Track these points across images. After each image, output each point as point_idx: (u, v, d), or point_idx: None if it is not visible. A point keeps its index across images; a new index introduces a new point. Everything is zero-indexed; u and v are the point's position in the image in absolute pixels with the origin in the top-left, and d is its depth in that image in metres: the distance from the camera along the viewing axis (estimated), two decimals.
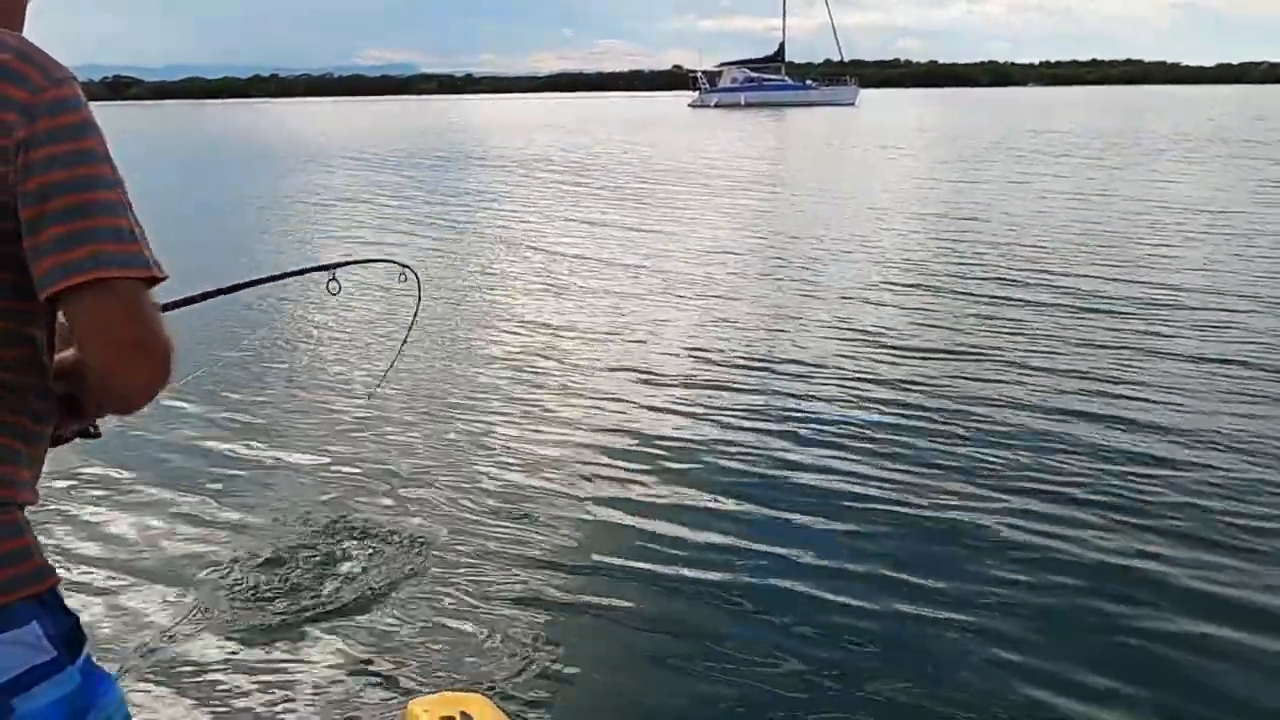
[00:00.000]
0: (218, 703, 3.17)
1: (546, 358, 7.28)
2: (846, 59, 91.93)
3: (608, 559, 4.10)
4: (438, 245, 13.04)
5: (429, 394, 6.41)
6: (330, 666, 3.35)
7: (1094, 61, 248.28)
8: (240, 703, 3.17)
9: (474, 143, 38.27)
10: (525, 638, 3.50)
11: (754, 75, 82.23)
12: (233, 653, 3.45)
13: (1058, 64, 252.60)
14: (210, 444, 5.52)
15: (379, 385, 6.17)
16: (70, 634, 1.25)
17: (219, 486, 4.91)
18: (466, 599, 3.77)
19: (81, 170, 1.20)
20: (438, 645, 3.47)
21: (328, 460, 5.26)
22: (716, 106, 76.84)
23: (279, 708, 3.14)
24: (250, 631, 3.56)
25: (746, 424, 5.72)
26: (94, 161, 1.22)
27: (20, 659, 1.20)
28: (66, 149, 1.20)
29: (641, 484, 4.90)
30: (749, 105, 75.81)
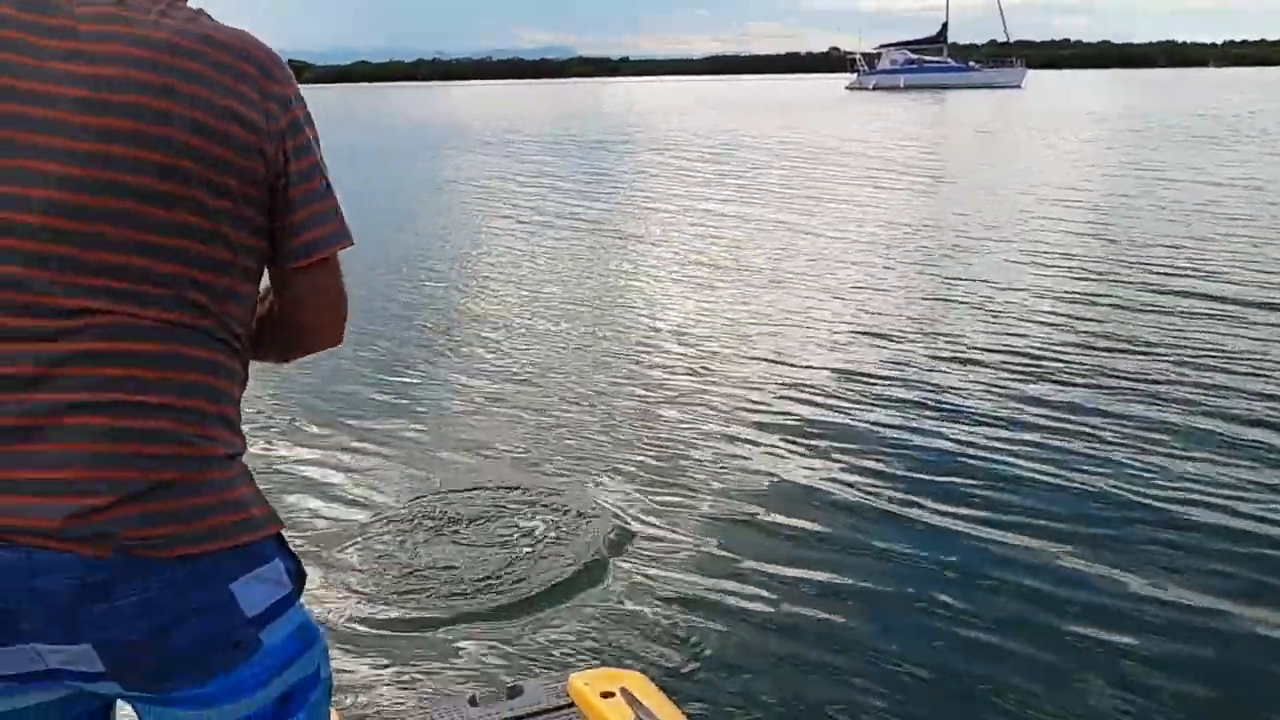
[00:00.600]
0: (387, 663, 3.34)
1: (698, 344, 7.33)
2: (1012, 39, 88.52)
3: (778, 556, 4.09)
4: (588, 228, 13.22)
5: (593, 375, 6.55)
6: (494, 636, 3.48)
7: None
8: (406, 668, 3.32)
9: (627, 126, 38.56)
10: (688, 623, 3.55)
11: (914, 57, 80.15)
12: (399, 616, 3.62)
13: (1243, 43, 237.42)
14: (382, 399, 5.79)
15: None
16: (299, 570, 1.36)
17: (391, 450, 5.16)
18: (636, 579, 3.85)
19: (316, 156, 1.40)
20: (600, 622, 3.56)
21: (497, 436, 5.45)
22: (875, 89, 75.23)
23: (438, 675, 3.28)
24: (418, 596, 3.74)
25: (916, 421, 5.62)
26: (317, 148, 1.41)
27: (268, 594, 1.30)
28: (307, 137, 1.38)
29: (819, 477, 4.87)
30: (909, 88, 73.91)
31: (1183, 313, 7.72)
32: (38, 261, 1.22)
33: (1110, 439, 5.17)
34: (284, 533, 1.36)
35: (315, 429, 5.56)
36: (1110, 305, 8.07)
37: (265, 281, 1.44)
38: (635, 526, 4.28)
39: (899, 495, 4.58)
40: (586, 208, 15.12)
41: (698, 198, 16.05)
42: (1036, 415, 5.56)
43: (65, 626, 1.19)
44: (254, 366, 1.46)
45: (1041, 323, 7.59)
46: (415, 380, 6.52)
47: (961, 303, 8.30)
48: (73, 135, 1.23)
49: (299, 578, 1.35)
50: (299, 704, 1.35)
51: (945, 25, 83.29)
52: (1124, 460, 4.89)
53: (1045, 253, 10.44)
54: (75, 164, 1.23)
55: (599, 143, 29.62)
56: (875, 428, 5.47)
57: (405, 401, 6.09)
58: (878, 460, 5.01)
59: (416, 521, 4.34)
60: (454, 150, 27.35)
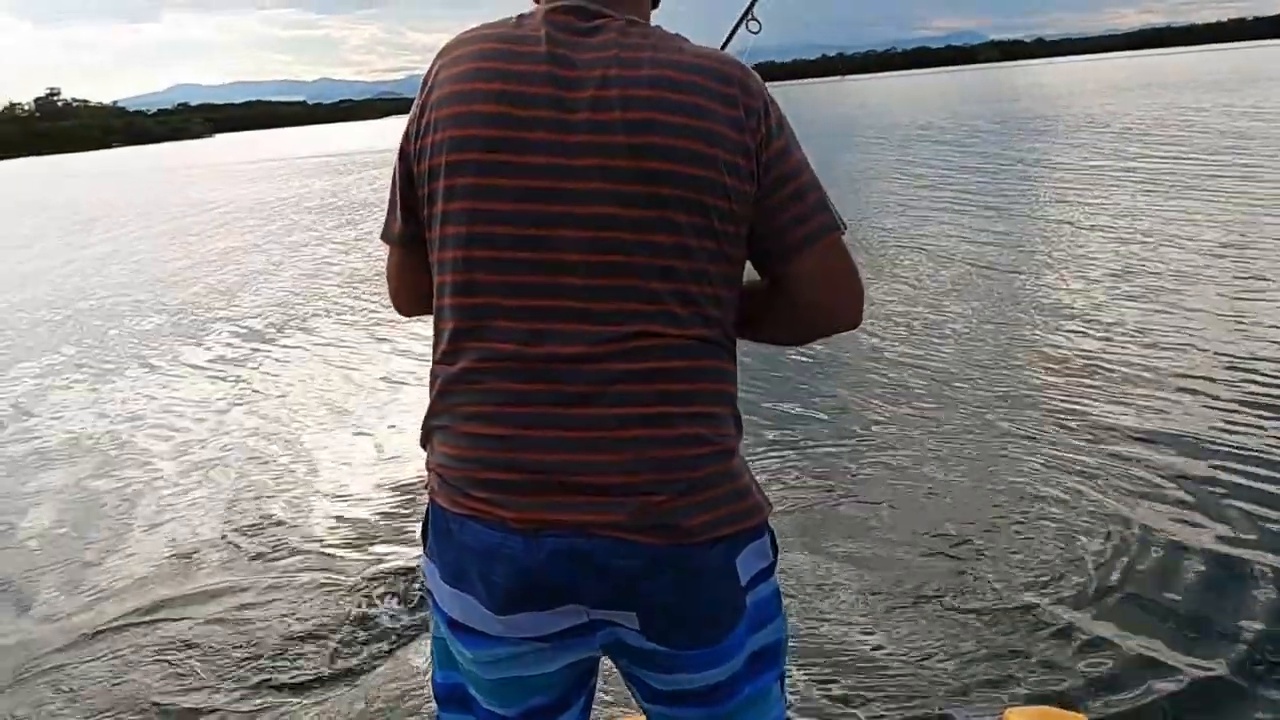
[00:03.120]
0: (832, 673, 3.31)
1: (1109, 362, 6.67)
2: None
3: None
4: (1006, 229, 12.51)
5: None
6: (938, 654, 3.35)
7: None
8: (833, 683, 3.28)
9: (1040, 111, 36.19)
10: (1139, 674, 3.20)
11: None
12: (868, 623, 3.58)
13: None
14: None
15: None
16: (775, 544, 1.56)
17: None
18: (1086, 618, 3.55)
19: (798, 156, 1.50)
20: (1036, 656, 3.31)
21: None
22: None
23: (889, 685, 3.19)
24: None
25: None
26: (797, 147, 1.51)
27: (757, 563, 1.50)
28: (786, 141, 1.49)
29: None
30: None
31: None
32: (588, 293, 1.40)
33: None
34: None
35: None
36: None
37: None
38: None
39: None
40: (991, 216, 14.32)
41: (1108, 198, 14.67)
42: None
43: (620, 597, 1.41)
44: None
45: None
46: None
47: None
48: (613, 179, 1.39)
49: (776, 550, 1.55)
50: (768, 664, 1.54)
51: None
52: None
53: None
54: (617, 205, 1.40)
55: (997, 130, 28.06)
56: None
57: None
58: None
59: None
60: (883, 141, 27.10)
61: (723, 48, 2.45)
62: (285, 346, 9.05)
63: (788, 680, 1.64)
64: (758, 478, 1.52)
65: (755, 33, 2.31)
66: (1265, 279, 8.19)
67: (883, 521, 4.36)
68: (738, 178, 1.42)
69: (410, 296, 1.67)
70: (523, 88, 1.42)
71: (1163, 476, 4.58)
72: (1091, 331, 7.11)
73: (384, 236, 1.65)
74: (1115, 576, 3.74)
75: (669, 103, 1.40)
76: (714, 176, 1.40)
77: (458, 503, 1.44)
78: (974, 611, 3.57)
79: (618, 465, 1.39)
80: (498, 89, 1.43)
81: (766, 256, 1.51)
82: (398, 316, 1.80)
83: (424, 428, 1.54)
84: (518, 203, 1.41)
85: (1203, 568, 3.77)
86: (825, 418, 5.78)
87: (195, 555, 4.60)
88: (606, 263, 1.40)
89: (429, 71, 1.54)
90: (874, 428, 5.55)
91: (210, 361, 8.71)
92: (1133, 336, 6.90)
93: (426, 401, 1.52)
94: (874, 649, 3.39)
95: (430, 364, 1.53)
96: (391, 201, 1.60)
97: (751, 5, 2.29)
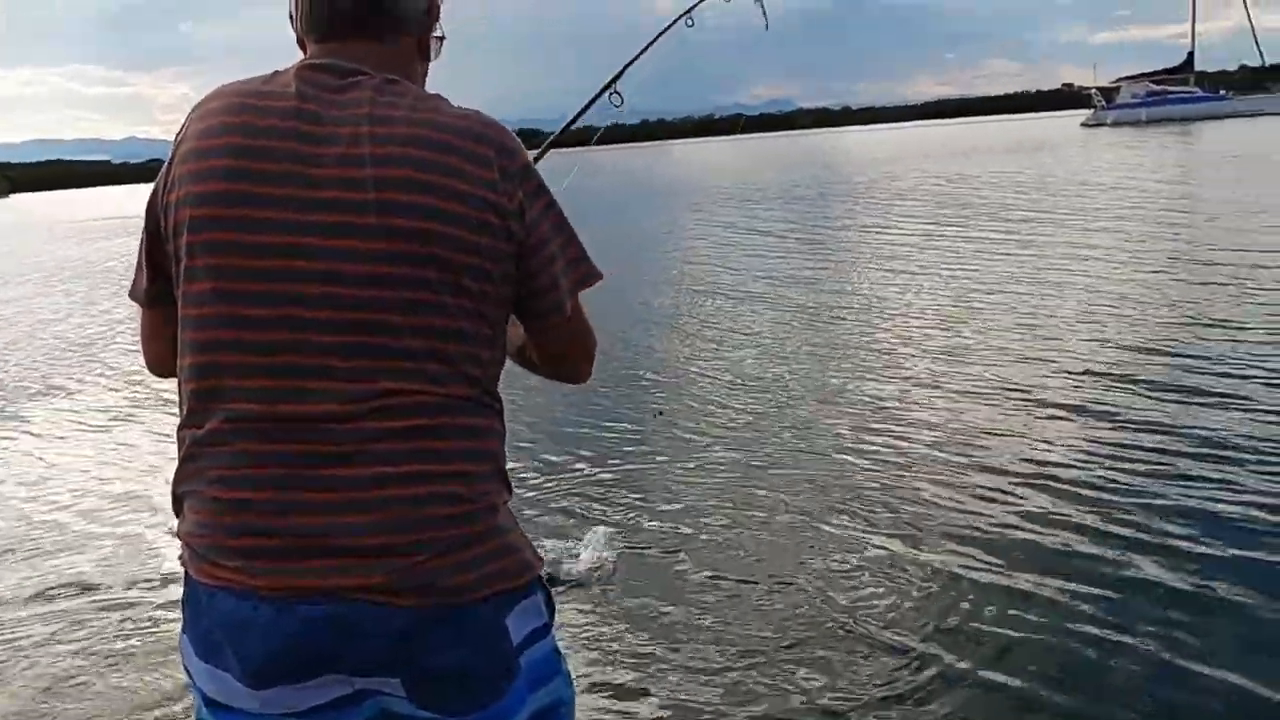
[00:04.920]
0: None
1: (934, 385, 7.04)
2: (1268, 63, 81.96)
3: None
4: (810, 276, 13.05)
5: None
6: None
7: None
8: None
9: (842, 175, 38.12)
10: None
11: (1156, 89, 75.41)
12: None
13: None
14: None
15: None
16: (551, 601, 1.54)
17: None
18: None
19: (556, 216, 1.52)
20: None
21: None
22: (1113, 125, 71.27)
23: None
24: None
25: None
26: (554, 208, 1.52)
27: (530, 622, 1.48)
28: (544, 202, 1.50)
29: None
30: (1151, 121, 69.57)
31: None
32: (337, 350, 1.37)
33: None
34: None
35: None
36: None
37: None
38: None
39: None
40: (801, 264, 14.96)
41: (913, 248, 15.58)
42: None
43: (382, 663, 1.37)
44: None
45: None
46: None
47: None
48: (361, 236, 1.37)
49: (552, 608, 1.54)
50: None
51: (1191, 54, 78.08)
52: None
53: None
54: (365, 263, 1.37)
55: (819, 194, 29.42)
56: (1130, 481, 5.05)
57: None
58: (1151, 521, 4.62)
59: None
60: (674, 206, 27.82)
61: (577, 117, 2.55)
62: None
63: None
64: (546, 532, 1.53)
65: (618, 106, 2.40)
66: (1047, 317, 8.82)
67: (683, 579, 4.39)
68: (492, 237, 1.42)
69: (160, 357, 1.60)
70: (267, 143, 1.40)
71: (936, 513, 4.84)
72: (874, 376, 7.48)
73: (132, 295, 1.60)
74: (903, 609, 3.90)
75: (421, 161, 1.39)
76: (465, 235, 1.40)
77: (207, 572, 1.39)
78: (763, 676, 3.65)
79: (374, 526, 1.35)
80: (239, 144, 1.41)
81: (524, 314, 1.55)
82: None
83: (173, 494, 1.47)
84: (259, 259, 1.38)
85: (982, 601, 3.98)
86: (617, 463, 5.84)
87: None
88: (355, 320, 1.37)
89: (180, 127, 1.51)
90: (672, 476, 5.64)
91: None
92: (910, 378, 7.30)
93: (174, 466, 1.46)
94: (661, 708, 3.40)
95: (177, 427, 1.47)
96: (139, 260, 1.55)
97: (615, 79, 2.38)
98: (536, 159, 2.33)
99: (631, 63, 2.52)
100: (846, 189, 30.58)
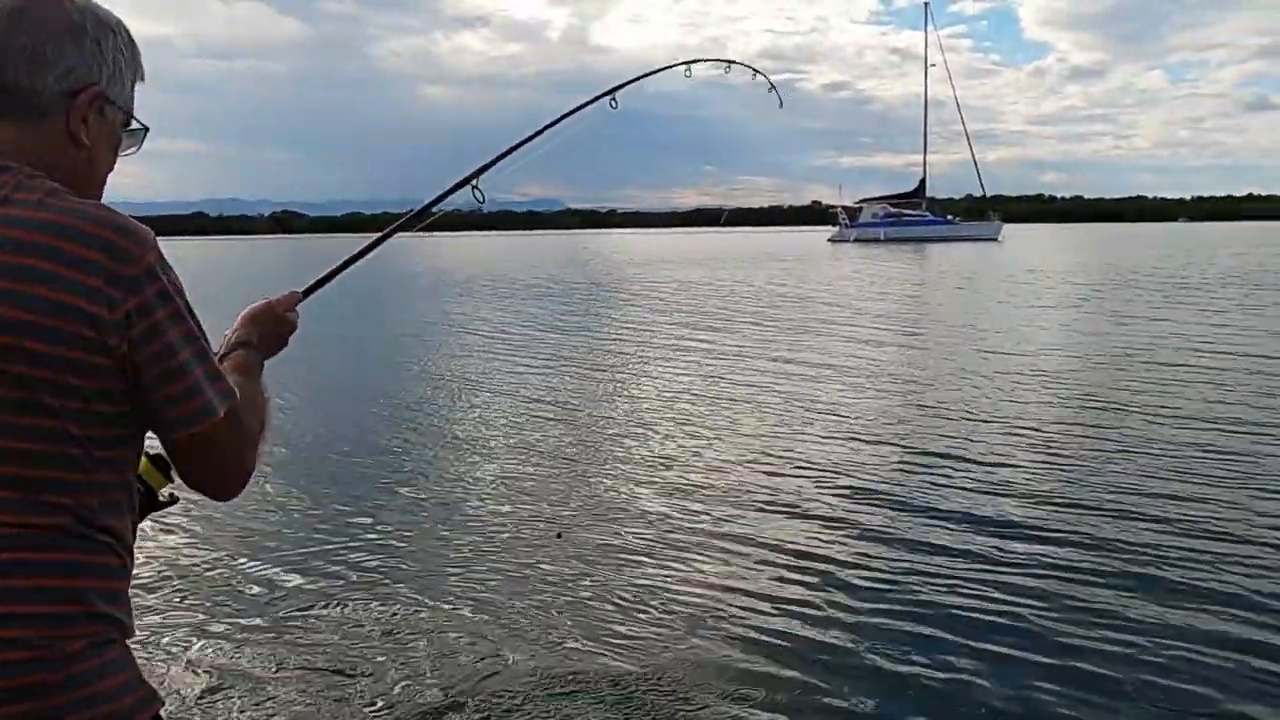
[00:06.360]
0: None
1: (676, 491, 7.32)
2: (989, 194, 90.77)
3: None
4: (566, 376, 13.32)
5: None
6: None
7: (1250, 196, 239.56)
8: None
9: (607, 275, 39.23)
10: None
11: (894, 211, 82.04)
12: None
13: (1210, 198, 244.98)
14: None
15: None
16: None
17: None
18: None
19: (171, 336, 1.35)
20: None
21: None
22: (856, 241, 76.81)
23: None
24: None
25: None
26: (175, 324, 1.35)
27: None
28: (157, 318, 1.33)
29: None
30: (889, 240, 75.60)
31: (1158, 453, 7.81)
32: None
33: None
34: None
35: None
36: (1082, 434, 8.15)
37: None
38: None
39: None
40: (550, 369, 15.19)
41: (670, 350, 16.21)
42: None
43: None
44: None
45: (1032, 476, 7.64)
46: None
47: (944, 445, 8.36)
48: None
49: None
50: None
51: (923, 181, 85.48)
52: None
53: (1035, 401, 10.57)
54: None
55: (584, 292, 30.06)
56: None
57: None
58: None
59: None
60: (437, 295, 27.71)
61: (432, 205, 2.34)
62: None
63: None
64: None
65: (481, 202, 2.39)
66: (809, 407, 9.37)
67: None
68: (84, 350, 1.29)
69: None
70: None
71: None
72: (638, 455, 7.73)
73: None
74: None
75: (4, 267, 1.27)
76: (42, 349, 1.27)
77: None
78: None
79: None
80: None
81: (155, 428, 1.40)
82: None
83: None
84: None
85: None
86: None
87: None
88: None
89: None
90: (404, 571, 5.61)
91: None
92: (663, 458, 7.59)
93: None
94: None
95: None
96: None
97: (477, 174, 2.38)
98: (377, 242, 2.20)
99: (500, 158, 2.49)
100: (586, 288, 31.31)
